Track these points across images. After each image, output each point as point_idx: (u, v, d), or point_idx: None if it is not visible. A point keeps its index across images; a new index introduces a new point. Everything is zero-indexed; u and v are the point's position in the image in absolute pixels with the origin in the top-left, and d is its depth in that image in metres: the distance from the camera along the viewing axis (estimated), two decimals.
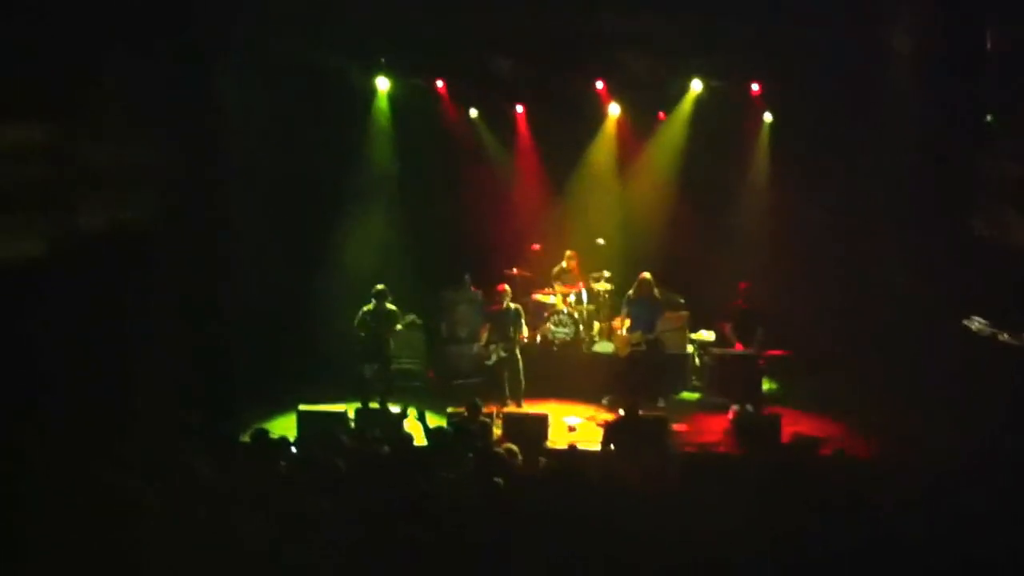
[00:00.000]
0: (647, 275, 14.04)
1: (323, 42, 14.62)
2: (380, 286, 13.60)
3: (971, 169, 13.77)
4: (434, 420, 11.19)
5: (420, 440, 10.22)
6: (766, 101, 16.11)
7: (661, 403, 13.80)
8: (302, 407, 12.24)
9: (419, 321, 14.13)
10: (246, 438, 10.03)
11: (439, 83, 16.54)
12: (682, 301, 15.28)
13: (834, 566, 6.90)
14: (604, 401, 13.92)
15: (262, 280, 14.35)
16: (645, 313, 13.95)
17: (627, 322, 14.01)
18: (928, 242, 13.68)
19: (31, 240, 11.32)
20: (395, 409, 11.68)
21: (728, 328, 14.05)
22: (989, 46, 13.37)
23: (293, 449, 9.87)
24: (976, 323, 12.89)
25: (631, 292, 14.19)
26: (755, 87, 15.94)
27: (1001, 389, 11.73)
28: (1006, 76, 13.21)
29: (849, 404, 13.29)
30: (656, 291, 14.06)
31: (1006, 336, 12.63)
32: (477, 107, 17.00)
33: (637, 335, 13.83)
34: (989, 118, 13.60)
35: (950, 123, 13.62)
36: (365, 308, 13.48)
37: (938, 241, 13.58)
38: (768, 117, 16.34)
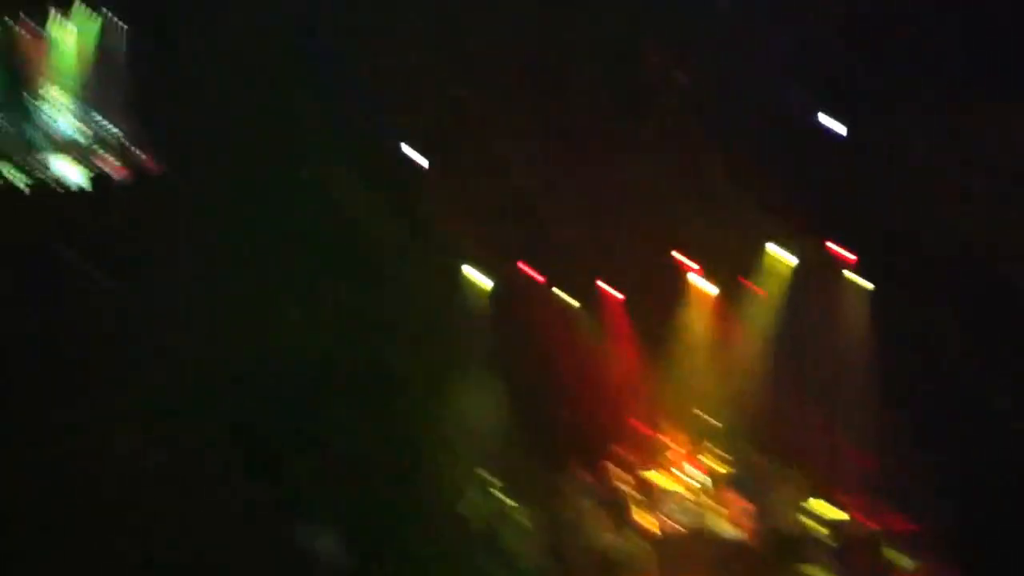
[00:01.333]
0: (756, 455, 13.96)
1: None
2: (483, 477, 13.63)
3: None
4: None
5: None
6: (858, 267, 16.16)
7: None
8: None
9: (529, 513, 14.02)
10: None
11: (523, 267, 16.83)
12: (798, 472, 15.08)
13: None
14: None
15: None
16: (757, 488, 13.80)
17: (736, 499, 13.90)
18: None
19: None
20: None
21: (849, 501, 13.88)
22: None
23: None
24: None
25: (737, 469, 14.12)
26: (847, 254, 16.02)
27: None
28: None
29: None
30: (762, 466, 13.95)
31: None
32: (564, 290, 17.19)
33: (747, 513, 13.69)
34: None
35: None
36: (473, 500, 13.48)
37: None
38: (858, 280, 16.39)
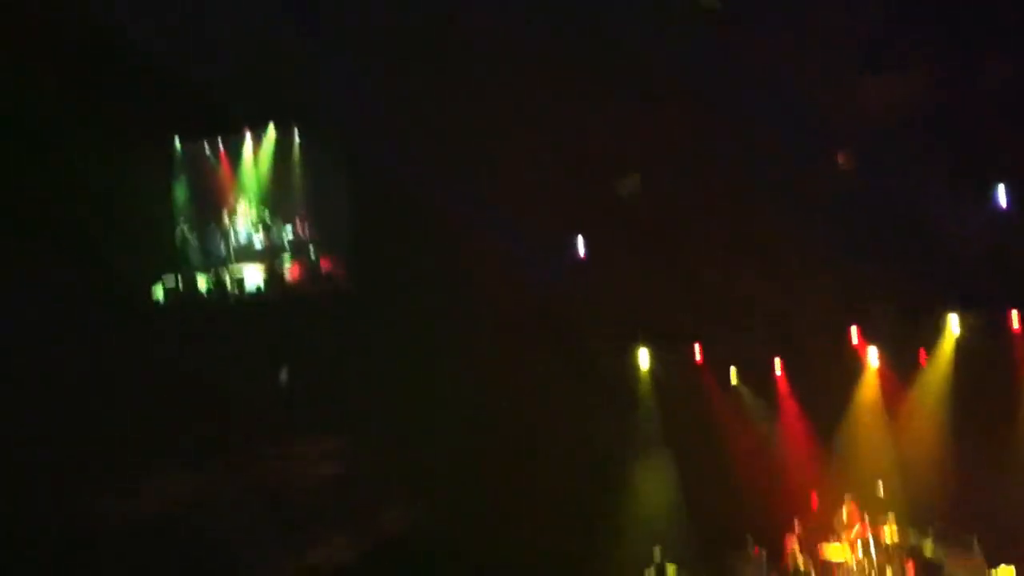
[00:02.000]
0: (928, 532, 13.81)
1: None
2: (659, 554, 13.83)
3: None
4: None
5: None
6: None
7: None
8: None
9: None
10: None
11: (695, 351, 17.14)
12: (976, 544, 14.79)
13: None
14: None
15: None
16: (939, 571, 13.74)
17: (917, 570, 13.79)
18: None
19: None
20: None
21: None
22: None
23: None
24: None
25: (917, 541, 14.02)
26: (1015, 320, 15.82)
27: None
28: None
29: None
30: (942, 536, 13.75)
31: None
32: (736, 368, 17.46)
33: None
34: None
35: None
36: (647, 572, 13.70)
37: None
38: None
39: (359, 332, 15.65)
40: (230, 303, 15.97)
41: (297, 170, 17.02)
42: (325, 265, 16.74)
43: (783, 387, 17.48)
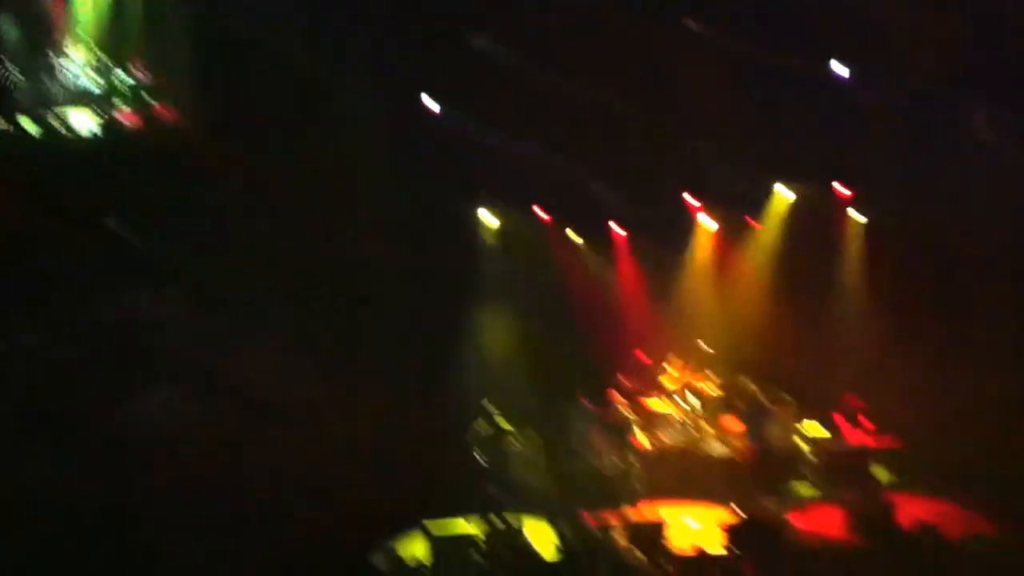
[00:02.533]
0: (746, 381, 14.48)
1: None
2: (490, 405, 14.20)
3: None
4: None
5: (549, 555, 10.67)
6: (856, 202, 16.58)
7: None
8: (430, 526, 12.65)
9: (536, 438, 14.69)
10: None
11: (540, 212, 17.39)
12: (788, 398, 15.55)
13: None
14: (732, 500, 14.03)
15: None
16: (748, 414, 14.42)
17: (729, 422, 14.48)
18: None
19: None
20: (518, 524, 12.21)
21: (839, 423, 14.45)
22: None
23: None
24: None
25: (731, 394, 14.68)
26: (843, 190, 16.42)
27: None
28: None
29: (964, 488, 13.41)
30: (761, 397, 14.45)
31: None
32: (576, 232, 17.80)
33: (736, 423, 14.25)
34: None
35: None
36: (478, 427, 14.05)
37: None
38: (859, 217, 16.81)
39: (197, 182, 15.33)
40: (59, 148, 15.36)
41: (137, 7, 16.30)
42: (164, 113, 16.21)
43: (621, 246, 17.94)
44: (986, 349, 14.75)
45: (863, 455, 14.07)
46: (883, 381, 15.08)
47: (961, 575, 9.29)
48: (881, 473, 14.49)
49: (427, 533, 12.56)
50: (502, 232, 17.35)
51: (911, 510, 12.56)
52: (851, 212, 16.83)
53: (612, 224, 17.84)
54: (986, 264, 15.07)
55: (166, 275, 14.41)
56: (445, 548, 12.08)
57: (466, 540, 12.25)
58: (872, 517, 12.40)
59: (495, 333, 17.10)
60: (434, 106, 16.38)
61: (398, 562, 10.92)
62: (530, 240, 17.43)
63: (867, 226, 16.81)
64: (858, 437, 14.53)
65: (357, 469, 13.26)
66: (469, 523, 13.09)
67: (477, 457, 14.15)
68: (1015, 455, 13.15)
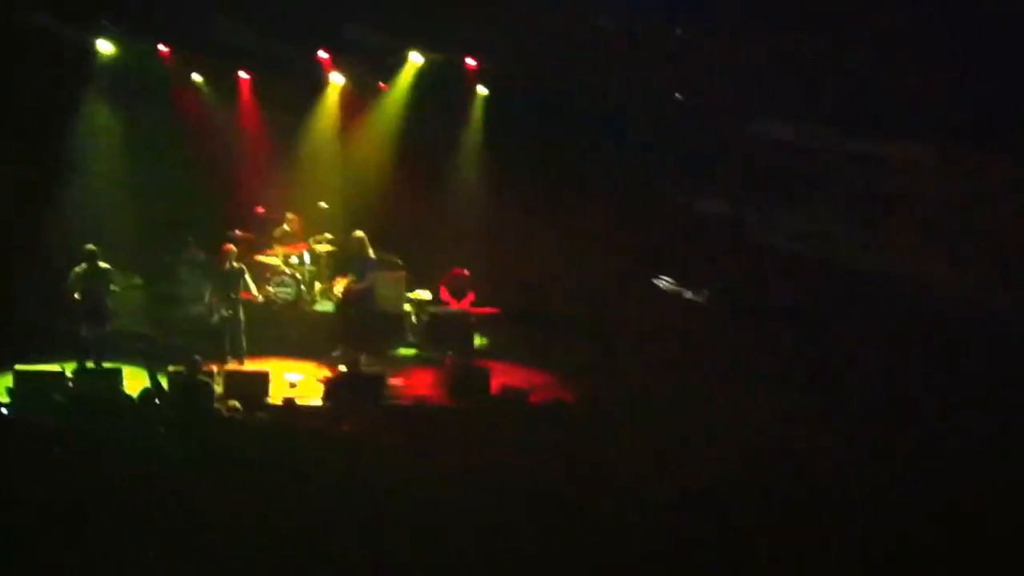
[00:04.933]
0: (359, 233, 14.67)
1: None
2: (90, 246, 13.58)
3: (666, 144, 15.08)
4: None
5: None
6: (481, 76, 16.91)
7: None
8: (18, 367, 12.06)
9: (139, 281, 14.24)
10: None
11: (163, 48, 16.48)
12: (400, 262, 15.91)
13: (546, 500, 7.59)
14: (335, 354, 14.22)
15: None
16: (358, 269, 14.62)
17: (343, 280, 14.65)
18: (626, 209, 14.96)
19: None
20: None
21: (444, 291, 14.97)
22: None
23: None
24: (664, 282, 14.28)
25: (345, 250, 14.82)
26: (471, 62, 16.71)
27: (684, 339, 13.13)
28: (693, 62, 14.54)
29: (554, 356, 14.34)
30: (369, 250, 14.66)
31: (689, 294, 14.08)
32: (201, 73, 17.04)
33: (348, 281, 14.46)
34: (678, 96, 14.95)
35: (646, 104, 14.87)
36: (77, 269, 13.41)
37: (633, 208, 14.86)
38: (483, 90, 17.18)
39: None
40: None
41: None
42: None
43: (247, 98, 17.42)
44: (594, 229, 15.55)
45: (465, 320, 14.66)
46: (493, 254, 15.70)
47: (541, 437, 9.90)
48: (479, 339, 15.22)
49: (14, 373, 11.94)
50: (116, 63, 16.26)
51: (503, 375, 13.30)
52: (478, 86, 17.16)
53: (240, 72, 17.25)
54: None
55: None
56: (28, 386, 11.54)
57: (51, 378, 11.78)
58: (467, 380, 13.07)
59: (108, 177, 16.28)
60: None
61: None
62: (147, 75, 16.55)
63: (489, 100, 17.20)
64: (462, 304, 15.12)
65: None
66: (62, 366, 12.52)
67: (75, 298, 13.43)
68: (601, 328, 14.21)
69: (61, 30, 15.23)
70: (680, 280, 14.28)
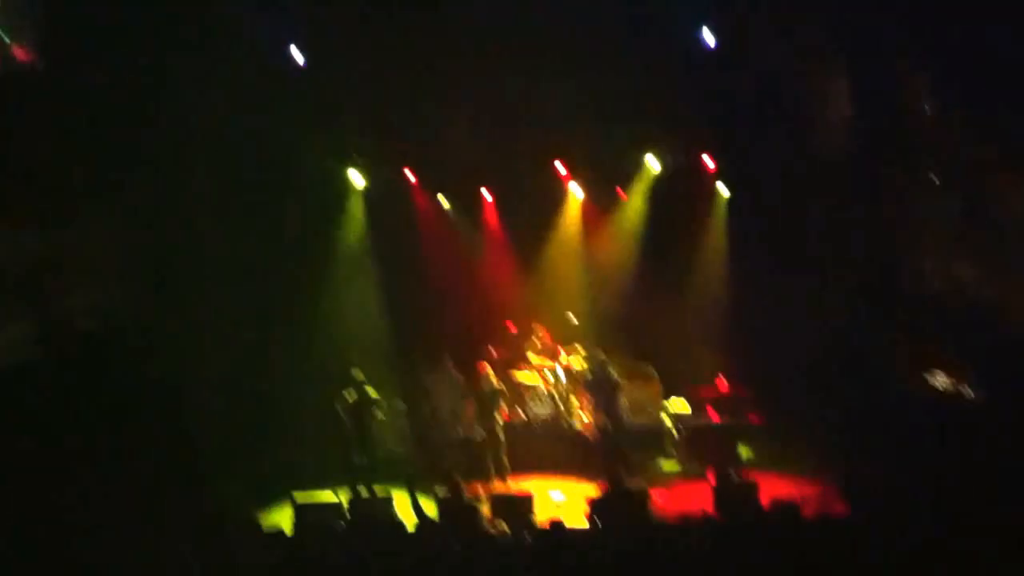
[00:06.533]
0: (600, 355, 14.55)
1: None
2: (358, 373, 13.97)
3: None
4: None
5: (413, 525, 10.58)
6: (720, 175, 16.74)
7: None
8: (297, 496, 12.40)
9: (403, 407, 14.56)
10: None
11: (408, 172, 17.06)
12: (653, 372, 15.71)
13: None
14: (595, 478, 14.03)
15: (234, 362, 14.77)
16: (601, 392, 14.41)
17: (593, 396, 14.50)
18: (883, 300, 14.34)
19: None
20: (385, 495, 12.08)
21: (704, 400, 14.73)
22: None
23: None
24: (939, 378, 13.47)
25: (588, 371, 14.72)
26: (709, 162, 16.55)
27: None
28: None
29: (823, 464, 13.70)
30: (611, 369, 14.49)
31: (967, 390, 13.22)
32: (445, 194, 17.53)
33: (597, 417, 14.30)
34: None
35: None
36: (347, 395, 13.83)
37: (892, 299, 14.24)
38: (723, 190, 16.98)
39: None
40: None
41: None
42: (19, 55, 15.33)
43: (490, 215, 17.81)
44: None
45: (726, 432, 14.28)
46: (749, 358, 15.29)
47: (815, 552, 9.43)
48: (743, 450, 14.75)
49: (293, 502, 12.31)
50: (368, 193, 17.00)
51: (771, 487, 12.80)
52: (718, 185, 16.98)
53: (482, 190, 17.69)
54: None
55: None
56: (309, 517, 11.86)
57: (330, 508, 12.08)
58: (734, 494, 12.63)
59: (362, 300, 16.85)
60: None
61: (261, 532, 10.63)
62: (395, 199, 17.16)
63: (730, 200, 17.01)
64: (722, 415, 14.73)
65: None
66: (335, 493, 12.86)
67: (345, 426, 13.87)
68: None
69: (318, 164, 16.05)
70: (956, 376, 13.43)
